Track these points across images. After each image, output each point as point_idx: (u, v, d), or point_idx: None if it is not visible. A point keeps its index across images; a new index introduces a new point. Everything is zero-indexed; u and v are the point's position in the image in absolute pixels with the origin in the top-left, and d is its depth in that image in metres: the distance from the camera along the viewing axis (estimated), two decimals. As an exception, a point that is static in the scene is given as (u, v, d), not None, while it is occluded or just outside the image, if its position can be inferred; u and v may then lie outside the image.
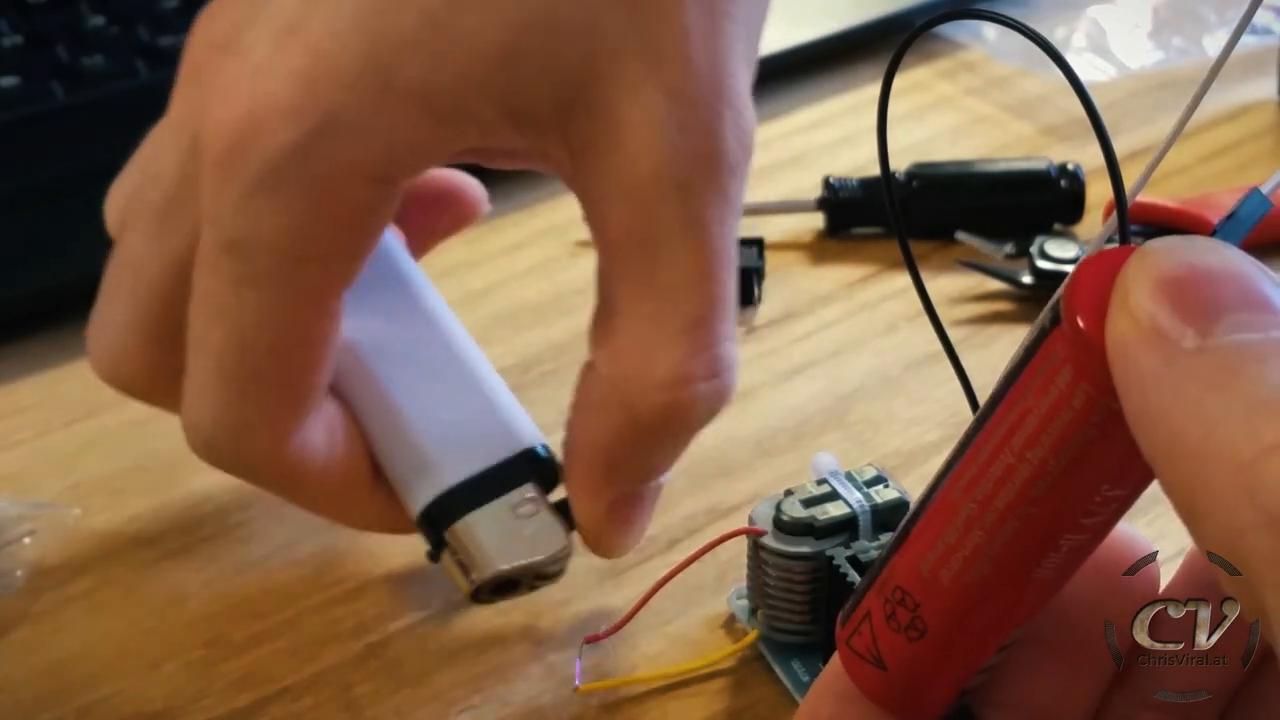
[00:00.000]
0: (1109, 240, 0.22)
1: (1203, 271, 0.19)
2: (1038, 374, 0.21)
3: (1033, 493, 0.21)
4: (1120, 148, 0.22)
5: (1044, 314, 0.21)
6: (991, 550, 0.22)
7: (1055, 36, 0.58)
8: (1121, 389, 0.19)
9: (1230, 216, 0.21)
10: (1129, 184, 0.22)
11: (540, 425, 0.39)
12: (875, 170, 0.39)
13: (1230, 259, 0.19)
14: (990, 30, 0.58)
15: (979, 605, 0.23)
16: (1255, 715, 0.25)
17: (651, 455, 0.31)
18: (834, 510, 0.31)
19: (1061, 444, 0.20)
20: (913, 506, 0.24)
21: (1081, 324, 0.20)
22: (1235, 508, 0.17)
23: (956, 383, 0.26)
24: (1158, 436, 0.19)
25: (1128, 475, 0.21)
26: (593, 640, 0.31)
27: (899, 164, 0.48)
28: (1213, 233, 0.21)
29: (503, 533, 0.31)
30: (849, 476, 0.32)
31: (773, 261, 0.46)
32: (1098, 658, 0.24)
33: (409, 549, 0.36)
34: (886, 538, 0.31)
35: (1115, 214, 0.22)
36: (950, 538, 0.22)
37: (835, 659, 0.25)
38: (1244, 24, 0.22)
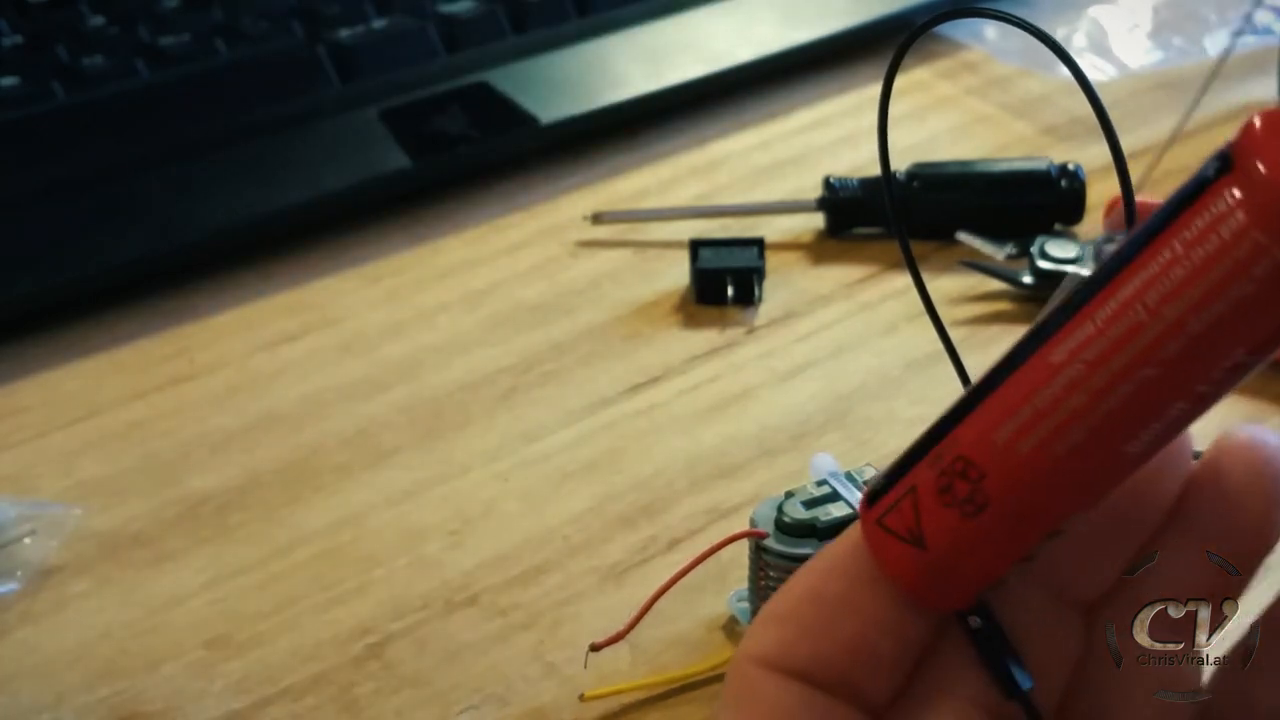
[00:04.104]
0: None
1: None
2: (1190, 226, 0.20)
3: (1159, 354, 0.20)
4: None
5: (1203, 167, 0.20)
6: (1091, 417, 0.21)
7: (1055, 36, 0.58)
8: None
9: None
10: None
11: (540, 425, 0.39)
12: (875, 170, 0.39)
13: None
14: (991, 30, 0.58)
15: (1054, 478, 0.22)
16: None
17: None
18: (836, 511, 0.31)
19: (1210, 298, 0.20)
20: (981, 378, 0.23)
21: (1262, 169, 0.19)
22: None
23: (957, 383, 0.26)
24: None
25: (1271, 340, 0.20)
26: (597, 648, 0.31)
27: (899, 164, 0.48)
28: None
29: None
30: (849, 476, 0.32)
31: (773, 261, 0.46)
32: (1123, 540, 0.23)
33: (409, 549, 0.36)
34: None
35: (1121, 207, 0.22)
36: (1041, 402, 0.21)
37: (847, 538, 0.24)
38: (1243, 24, 0.22)
